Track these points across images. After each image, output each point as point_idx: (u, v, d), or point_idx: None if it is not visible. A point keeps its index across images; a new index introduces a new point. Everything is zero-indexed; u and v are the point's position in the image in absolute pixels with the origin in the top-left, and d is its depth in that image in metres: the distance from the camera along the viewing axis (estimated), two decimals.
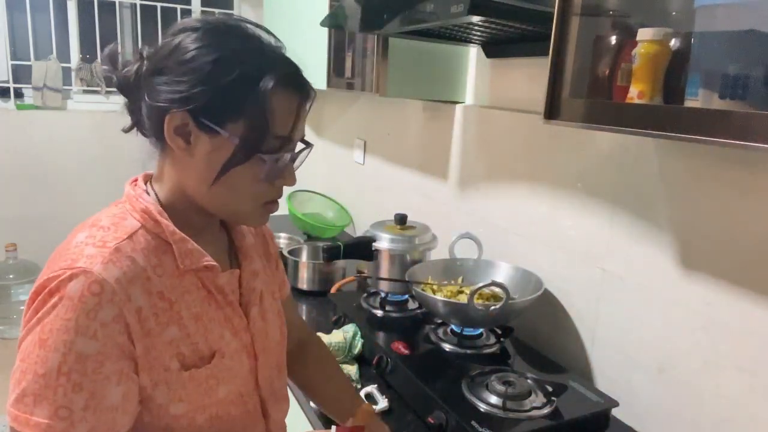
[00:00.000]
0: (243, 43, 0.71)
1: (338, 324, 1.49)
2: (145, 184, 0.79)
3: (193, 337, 0.74)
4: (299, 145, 0.76)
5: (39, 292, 0.67)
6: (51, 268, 0.67)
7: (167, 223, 0.74)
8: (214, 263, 0.78)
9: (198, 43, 0.69)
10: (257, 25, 0.75)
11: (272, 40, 0.75)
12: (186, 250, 0.75)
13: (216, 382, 0.77)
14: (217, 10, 3.43)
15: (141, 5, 3.25)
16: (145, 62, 0.72)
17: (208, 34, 0.70)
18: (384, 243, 1.53)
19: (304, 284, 1.79)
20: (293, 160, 0.75)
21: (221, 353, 0.77)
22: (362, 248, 1.54)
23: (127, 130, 0.78)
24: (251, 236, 0.91)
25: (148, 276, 0.71)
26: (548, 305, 1.36)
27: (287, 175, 0.76)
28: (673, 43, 0.83)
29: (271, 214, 0.80)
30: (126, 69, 0.73)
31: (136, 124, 0.77)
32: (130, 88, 0.74)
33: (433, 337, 1.34)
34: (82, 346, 0.64)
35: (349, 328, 1.38)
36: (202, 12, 3.40)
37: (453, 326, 1.35)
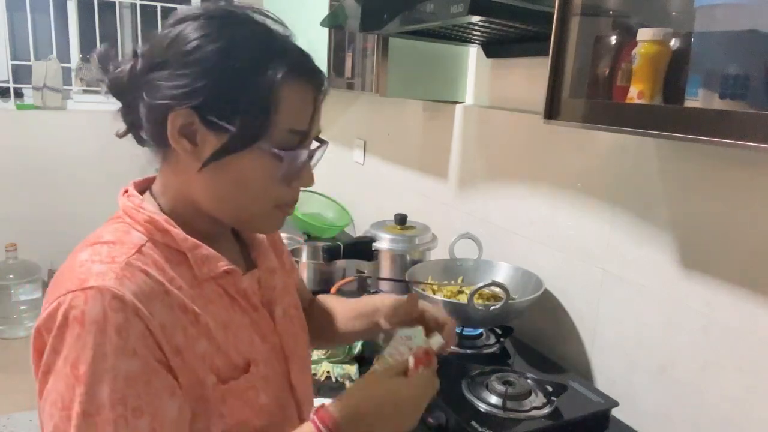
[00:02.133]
0: (250, 31, 0.66)
1: None
2: (141, 193, 0.73)
3: (224, 348, 0.68)
4: (314, 143, 0.72)
5: (50, 327, 0.58)
6: (56, 294, 0.59)
7: (177, 230, 0.67)
8: (234, 267, 0.72)
9: (200, 32, 0.63)
10: (263, 13, 0.70)
11: (280, 28, 0.69)
12: (201, 257, 0.68)
13: (255, 393, 0.71)
14: None
15: (141, 5, 3.25)
16: (140, 59, 0.66)
17: (211, 22, 0.64)
18: (384, 243, 1.53)
19: None
20: (311, 157, 0.70)
21: (255, 361, 0.71)
22: (362, 248, 1.54)
23: (121, 135, 0.72)
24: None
25: (167, 290, 0.63)
26: (548, 305, 1.36)
27: (305, 175, 0.70)
28: (673, 43, 0.83)
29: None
30: (118, 69, 0.67)
31: (132, 128, 0.71)
32: (124, 89, 0.67)
33: None
34: (126, 367, 0.57)
35: None
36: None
37: None
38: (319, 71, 0.69)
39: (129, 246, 0.64)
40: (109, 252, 0.63)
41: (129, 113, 0.69)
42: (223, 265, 0.70)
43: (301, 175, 0.70)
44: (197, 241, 0.69)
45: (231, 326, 0.70)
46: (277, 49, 0.65)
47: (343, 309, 0.97)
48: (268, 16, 0.70)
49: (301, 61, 0.67)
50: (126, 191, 0.72)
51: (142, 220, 0.67)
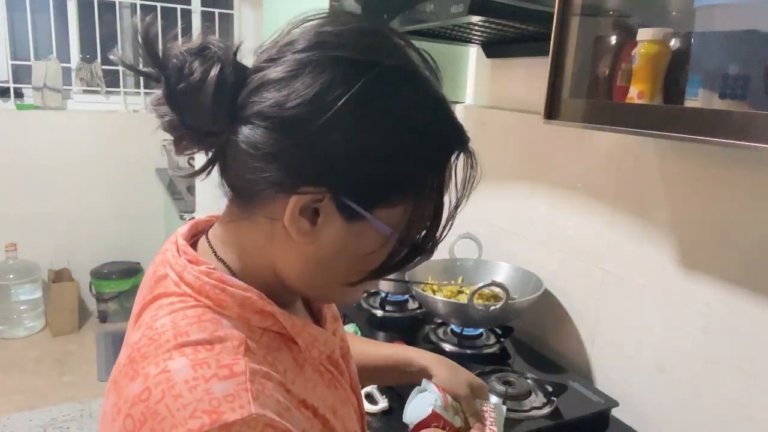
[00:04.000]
0: (420, 93, 0.52)
1: None
2: (192, 244, 0.56)
3: None
4: None
5: None
6: None
7: (284, 312, 0.52)
8: (337, 340, 0.61)
9: (365, 90, 0.47)
10: (424, 58, 0.55)
11: (430, 76, 0.53)
12: (312, 339, 0.55)
13: None
14: (217, 11, 3.43)
15: (141, 5, 3.25)
16: (250, 96, 0.48)
17: (381, 78, 0.48)
18: None
19: None
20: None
21: None
22: None
23: (196, 173, 0.53)
24: None
25: (288, 388, 0.50)
26: (548, 305, 1.36)
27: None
28: (673, 43, 0.84)
29: None
30: (192, 77, 0.47)
31: (181, 140, 0.50)
32: (197, 108, 0.47)
33: (433, 337, 1.34)
34: None
35: (349, 328, 1.38)
36: (203, 12, 3.40)
37: (453, 326, 1.35)
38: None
39: (232, 344, 0.48)
40: (217, 359, 0.46)
41: (193, 136, 0.50)
42: (333, 343, 0.59)
43: None
44: (303, 320, 0.55)
45: (336, 406, 0.57)
46: (443, 115, 0.53)
47: (370, 352, 0.85)
48: (430, 67, 0.54)
49: (465, 135, 0.54)
50: (179, 248, 0.54)
51: (233, 303, 0.50)
